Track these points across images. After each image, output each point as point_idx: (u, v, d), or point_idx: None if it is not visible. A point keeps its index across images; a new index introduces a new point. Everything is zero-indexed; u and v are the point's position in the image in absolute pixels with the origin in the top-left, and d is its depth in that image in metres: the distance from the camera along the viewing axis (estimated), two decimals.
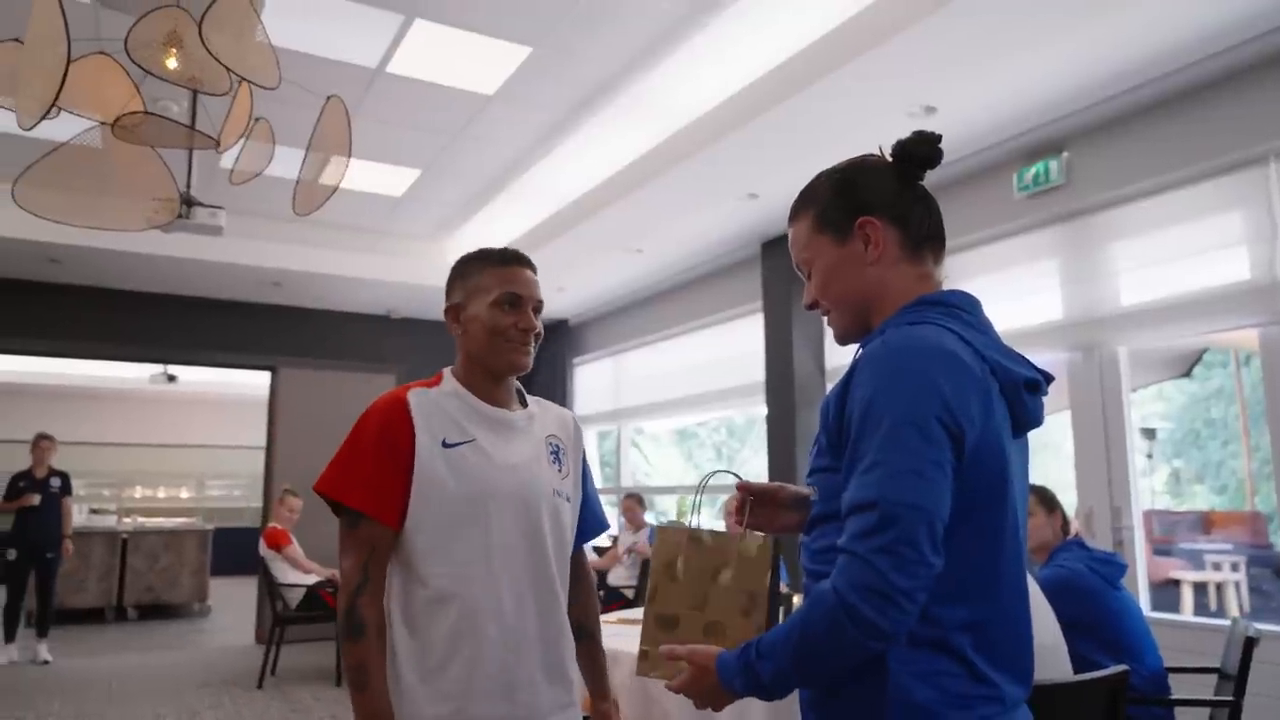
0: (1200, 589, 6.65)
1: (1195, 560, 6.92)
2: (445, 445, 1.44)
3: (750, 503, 1.28)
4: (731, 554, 1.22)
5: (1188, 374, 7.90)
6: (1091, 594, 2.66)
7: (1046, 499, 2.88)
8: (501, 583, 1.42)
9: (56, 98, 2.52)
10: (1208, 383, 8.34)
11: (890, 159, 1.22)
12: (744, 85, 4.31)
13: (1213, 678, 2.80)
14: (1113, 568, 2.73)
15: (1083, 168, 4.16)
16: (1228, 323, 3.73)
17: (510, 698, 1.38)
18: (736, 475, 1.33)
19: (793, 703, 1.18)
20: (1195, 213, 3.82)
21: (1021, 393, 1.10)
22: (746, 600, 1.20)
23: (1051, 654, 2.12)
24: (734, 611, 1.20)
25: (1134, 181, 3.96)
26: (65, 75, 2.48)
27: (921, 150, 1.19)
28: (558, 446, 1.58)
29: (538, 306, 1.54)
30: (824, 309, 1.25)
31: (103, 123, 2.99)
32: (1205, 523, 7.73)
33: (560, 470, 1.56)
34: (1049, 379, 1.15)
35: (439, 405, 1.48)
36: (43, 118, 2.60)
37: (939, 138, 1.20)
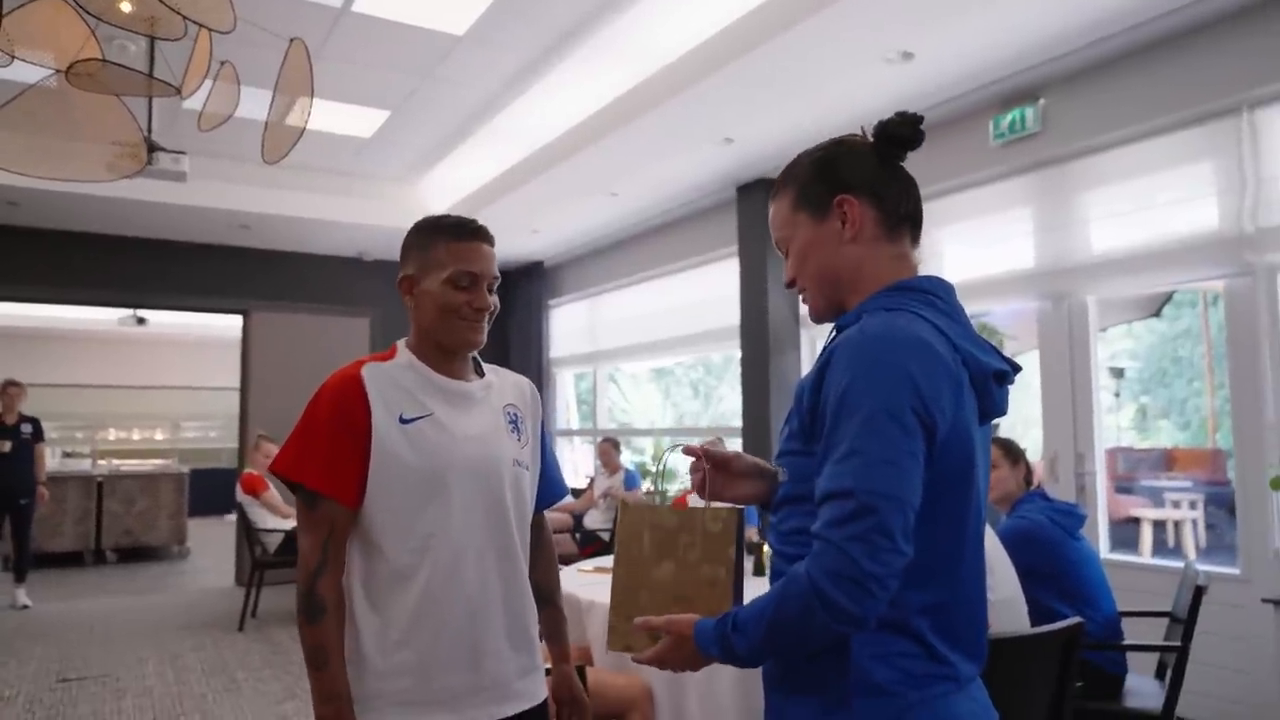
0: (1159, 526, 6.87)
1: (1155, 497, 7.13)
2: (402, 421, 1.42)
3: (708, 471, 1.29)
4: (696, 528, 1.24)
5: (1157, 314, 8.03)
6: (1051, 544, 2.74)
7: (1011, 451, 2.95)
8: (464, 555, 1.43)
9: None
10: (1176, 322, 8.48)
11: (872, 139, 1.22)
12: (720, 29, 4.22)
13: (1165, 620, 2.92)
14: (1072, 519, 2.81)
15: (1058, 116, 4.14)
16: (1195, 274, 3.78)
17: (476, 667, 1.40)
18: (698, 448, 1.33)
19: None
20: (1168, 162, 3.84)
21: (990, 384, 1.12)
22: (712, 573, 1.23)
23: (1009, 607, 2.20)
24: (700, 584, 1.23)
25: (1109, 130, 3.96)
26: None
27: (903, 131, 1.19)
28: (516, 415, 1.58)
29: (492, 283, 1.50)
30: (800, 287, 1.26)
31: (59, 70, 2.89)
32: (1167, 460, 7.94)
33: (519, 439, 1.56)
34: (1016, 369, 1.18)
35: (394, 379, 1.46)
36: None
37: (920, 119, 1.20)
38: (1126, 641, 2.80)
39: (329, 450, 1.39)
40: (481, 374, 1.58)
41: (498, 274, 1.51)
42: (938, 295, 1.16)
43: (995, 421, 1.23)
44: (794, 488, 1.14)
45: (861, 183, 1.19)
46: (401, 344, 1.54)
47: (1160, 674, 2.87)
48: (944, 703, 1.06)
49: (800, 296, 1.27)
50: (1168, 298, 7.53)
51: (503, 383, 1.61)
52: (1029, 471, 2.97)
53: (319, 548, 1.38)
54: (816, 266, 1.22)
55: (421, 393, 1.46)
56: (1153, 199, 3.90)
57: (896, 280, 1.17)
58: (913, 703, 1.04)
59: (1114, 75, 3.93)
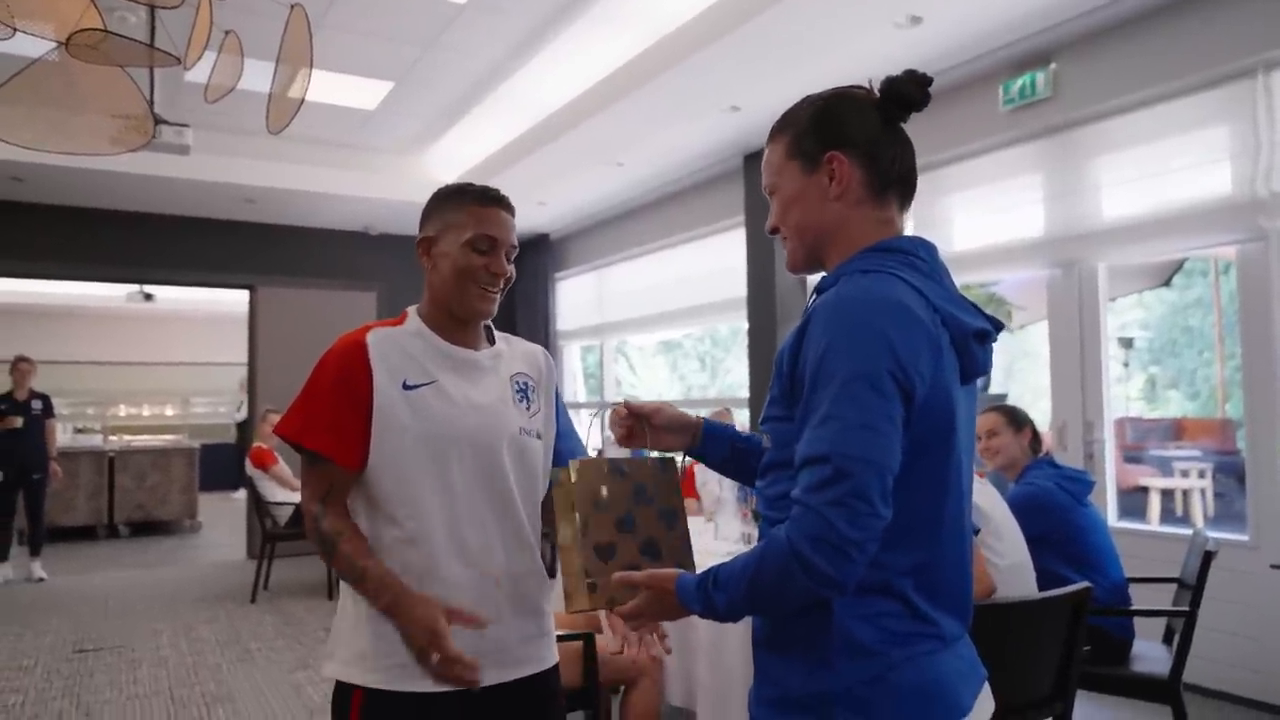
0: (1168, 495, 6.86)
1: (1164, 467, 7.11)
2: (405, 387, 1.43)
3: (633, 424, 1.36)
4: (647, 475, 1.32)
5: (1167, 283, 7.97)
6: (1059, 510, 2.74)
7: (1015, 418, 2.93)
8: (464, 523, 1.43)
9: None
10: (1187, 292, 8.42)
11: (877, 95, 1.19)
12: None
13: (1173, 587, 2.92)
14: (1080, 485, 2.81)
15: (1070, 80, 4.08)
16: (1207, 239, 3.74)
17: (477, 632, 1.41)
18: (631, 401, 1.40)
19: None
20: (1181, 127, 3.78)
21: (971, 343, 1.11)
22: (668, 515, 1.32)
23: (1018, 572, 2.20)
24: (660, 527, 1.30)
25: (1121, 94, 3.90)
26: None
27: (909, 90, 1.16)
28: (526, 384, 1.58)
29: (510, 252, 1.51)
30: (782, 236, 1.25)
31: (60, 43, 2.87)
32: (1177, 429, 7.91)
33: (529, 408, 1.56)
34: (999, 327, 1.17)
35: (400, 345, 1.46)
36: None
37: (930, 80, 1.17)
38: (1134, 608, 2.80)
39: (331, 414, 1.41)
40: (492, 342, 1.58)
41: (516, 244, 1.52)
42: (918, 255, 1.14)
43: (981, 382, 1.22)
44: (778, 453, 1.14)
45: (856, 140, 1.17)
46: (412, 310, 1.54)
47: (1168, 639, 2.88)
48: (928, 660, 1.07)
49: (781, 243, 1.27)
50: (1178, 266, 7.47)
51: (513, 351, 1.61)
52: (1035, 438, 2.95)
53: (318, 500, 1.42)
54: (799, 219, 1.20)
55: (427, 360, 1.47)
56: (1165, 164, 3.86)
57: (877, 241, 1.15)
58: (896, 661, 1.05)
59: (1127, 38, 3.87)
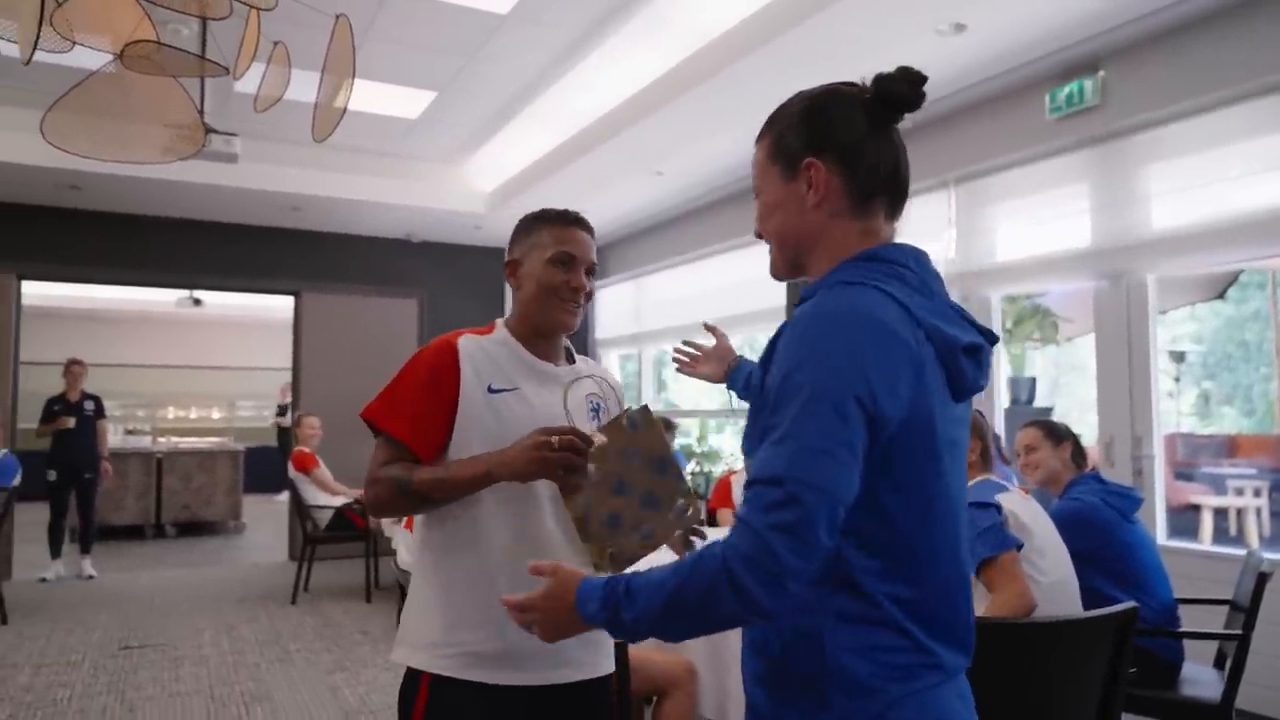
0: (1221, 514, 6.66)
1: (1217, 485, 6.90)
2: (490, 390, 1.52)
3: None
4: (623, 437, 1.38)
5: (1221, 296, 7.75)
6: (1104, 527, 2.67)
7: (1054, 432, 2.87)
8: (530, 524, 1.49)
9: (39, 29, 2.49)
10: (1243, 305, 8.19)
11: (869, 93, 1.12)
12: (767, 2, 4.15)
13: (1224, 609, 2.83)
14: (1128, 501, 2.73)
15: (1119, 87, 4.00)
16: (1262, 250, 3.63)
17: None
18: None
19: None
20: (1234, 135, 3.68)
21: (959, 358, 1.04)
22: (659, 464, 1.38)
23: (1062, 589, 2.15)
24: (653, 478, 1.37)
25: (1172, 102, 3.81)
26: (43, 5, 2.46)
27: (900, 90, 1.09)
28: (598, 405, 1.66)
29: (590, 268, 1.60)
30: (766, 240, 1.21)
31: (116, 55, 2.96)
32: (1231, 446, 7.68)
33: (598, 425, 1.62)
34: (992, 340, 1.11)
35: (487, 352, 1.55)
36: (35, 48, 2.57)
37: (924, 79, 1.10)
38: (1184, 629, 2.72)
39: (416, 406, 1.50)
40: (572, 361, 1.68)
41: (595, 260, 1.63)
42: (906, 266, 1.08)
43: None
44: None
45: (838, 145, 1.10)
46: (500, 322, 1.65)
47: (1219, 663, 2.79)
48: (931, 696, 1.01)
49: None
50: (1233, 279, 7.27)
51: (589, 370, 1.71)
52: (1078, 452, 2.89)
53: (381, 464, 1.50)
54: (777, 226, 1.15)
55: (511, 368, 1.56)
56: (1218, 173, 3.75)
57: (861, 250, 1.10)
58: (896, 698, 0.99)
59: (1177, 45, 3.78)
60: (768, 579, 0.92)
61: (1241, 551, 3.24)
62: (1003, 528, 2.12)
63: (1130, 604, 2.00)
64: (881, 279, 1.05)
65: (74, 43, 2.97)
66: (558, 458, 1.32)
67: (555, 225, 1.59)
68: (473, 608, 1.46)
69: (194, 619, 5.51)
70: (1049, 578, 2.11)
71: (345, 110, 3.29)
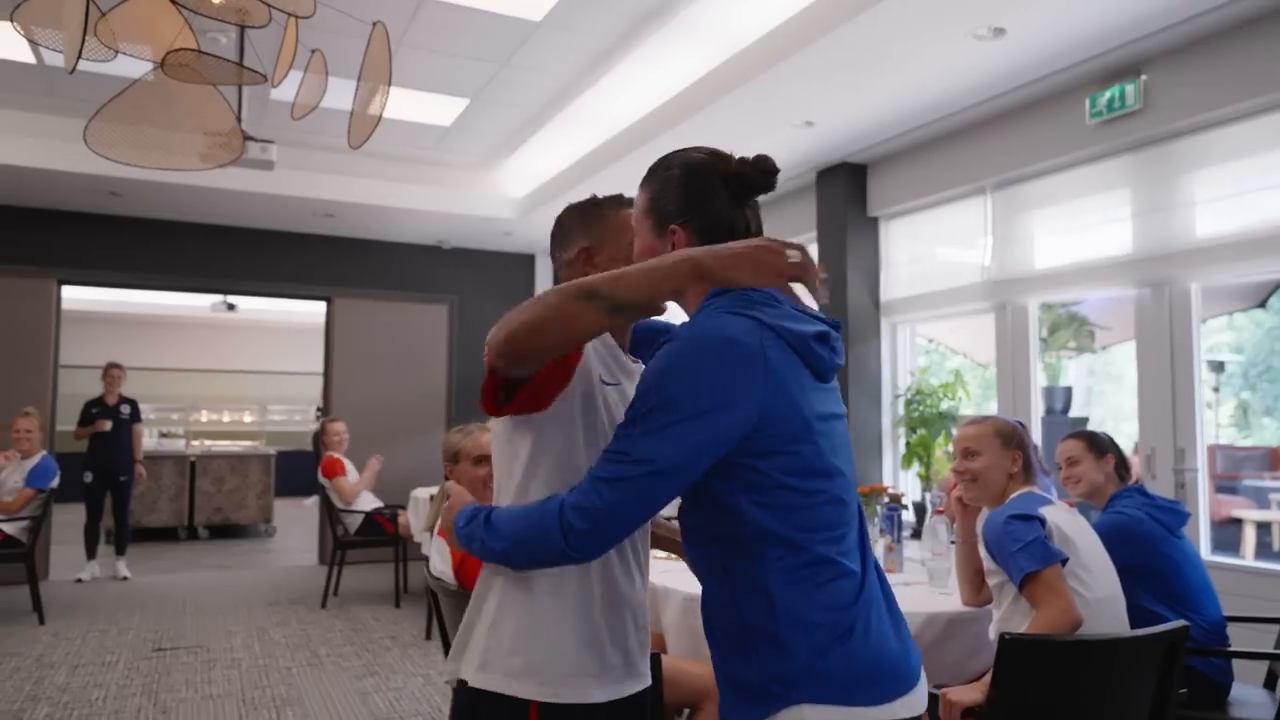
0: (1264, 529, 6.50)
1: (1260, 498, 6.74)
2: (603, 381, 1.46)
3: None
4: None
5: (1262, 305, 7.58)
6: (1150, 541, 2.60)
7: (1096, 443, 2.81)
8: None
9: (84, 39, 2.53)
10: None
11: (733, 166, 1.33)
12: (802, 7, 4.12)
13: (1275, 628, 2.75)
14: (1174, 515, 2.66)
15: (1162, 92, 3.92)
16: None
17: (622, 642, 1.43)
18: None
19: None
20: None
21: (812, 345, 1.23)
22: None
23: (1109, 606, 2.09)
24: None
25: (1217, 107, 3.73)
26: (87, 15, 2.49)
27: (755, 179, 1.32)
28: None
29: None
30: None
31: (157, 64, 3.00)
32: (1273, 459, 7.50)
33: None
34: (835, 325, 1.31)
35: (604, 340, 1.49)
36: (79, 57, 2.61)
37: (776, 171, 1.32)
38: (1232, 648, 2.64)
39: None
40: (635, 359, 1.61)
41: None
42: (750, 289, 1.25)
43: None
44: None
45: (700, 215, 1.31)
46: None
47: (1270, 684, 2.71)
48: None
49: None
50: (1276, 287, 7.11)
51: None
52: (1121, 464, 2.82)
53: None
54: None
55: (616, 364, 1.51)
56: (1264, 180, 3.67)
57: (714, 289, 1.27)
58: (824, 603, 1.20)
59: (1221, 48, 3.70)
60: (585, 518, 1.16)
61: (1269, 564, 3.15)
62: (1046, 541, 2.07)
63: (1180, 622, 1.94)
64: (733, 303, 1.23)
65: (117, 51, 3.02)
66: (791, 267, 1.24)
67: (625, 208, 1.53)
68: (578, 627, 1.38)
69: (226, 621, 5.56)
70: (1095, 593, 2.05)
71: (381, 117, 3.30)
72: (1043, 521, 2.11)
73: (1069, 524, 2.16)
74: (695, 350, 1.19)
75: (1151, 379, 4.08)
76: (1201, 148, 3.88)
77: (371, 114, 3.39)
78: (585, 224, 1.54)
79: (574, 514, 1.16)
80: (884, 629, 1.21)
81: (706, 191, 1.31)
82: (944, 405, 5.17)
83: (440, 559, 2.44)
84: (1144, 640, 1.93)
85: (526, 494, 1.39)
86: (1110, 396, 8.34)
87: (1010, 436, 2.29)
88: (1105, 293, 4.49)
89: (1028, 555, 2.04)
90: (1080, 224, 4.44)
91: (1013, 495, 2.23)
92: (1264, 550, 6.29)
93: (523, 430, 1.41)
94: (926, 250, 5.47)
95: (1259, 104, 3.61)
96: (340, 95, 4.28)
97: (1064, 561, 2.05)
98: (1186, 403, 3.94)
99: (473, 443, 2.66)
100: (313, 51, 3.48)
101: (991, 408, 5.43)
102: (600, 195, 1.59)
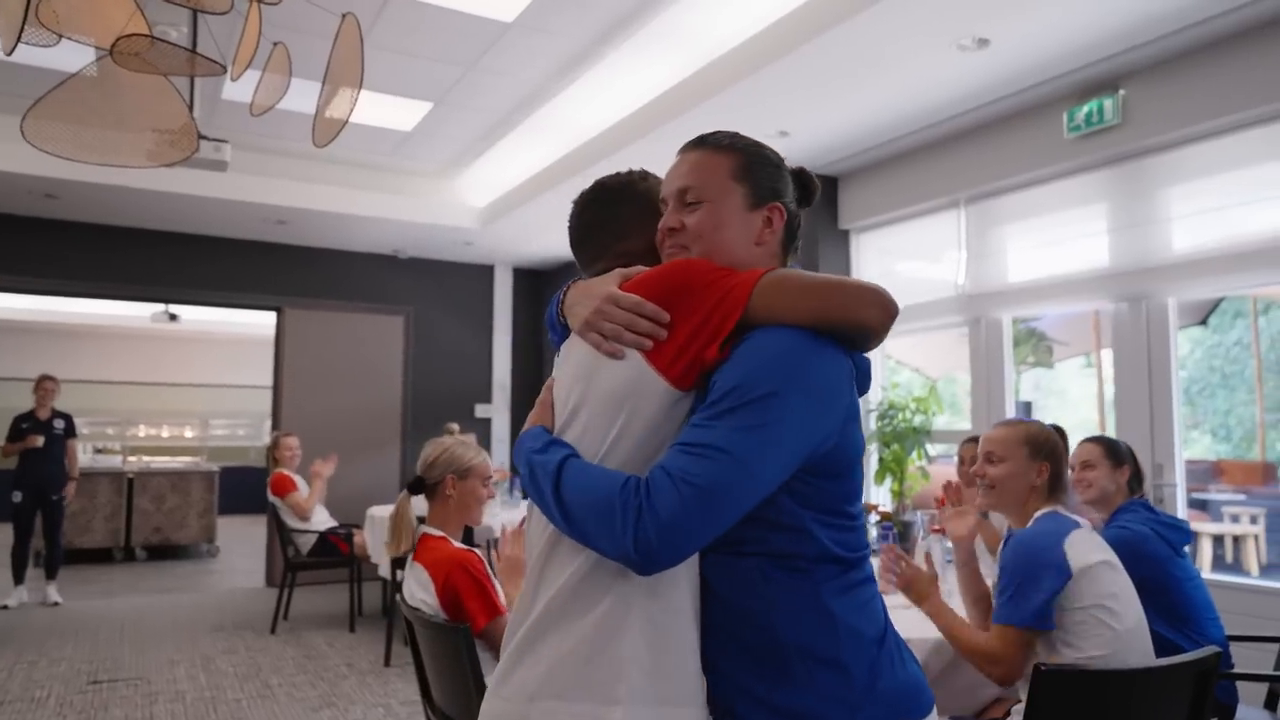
0: (1217, 541, 6.59)
1: (1212, 512, 6.85)
2: None
3: None
4: None
5: (1203, 322, 7.74)
6: (1155, 560, 2.53)
7: (1115, 452, 2.74)
8: None
9: (25, 18, 2.31)
10: (1226, 333, 8.19)
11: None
12: (779, 15, 4.04)
13: (1274, 646, 2.71)
14: (1178, 533, 2.60)
15: (1140, 107, 3.93)
16: None
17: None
18: None
19: None
20: (1257, 157, 3.62)
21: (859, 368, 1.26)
22: None
23: (1137, 636, 1.99)
24: None
25: (1194, 123, 3.74)
26: None
27: (813, 190, 1.34)
28: None
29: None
30: (682, 243, 1.24)
31: (104, 52, 2.78)
32: (1215, 472, 7.65)
33: None
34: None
35: None
36: (19, 40, 2.39)
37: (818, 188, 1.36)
38: (1235, 668, 2.58)
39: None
40: None
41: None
42: None
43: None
44: None
45: (791, 204, 1.30)
46: None
47: (1270, 704, 2.65)
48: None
49: (666, 245, 1.26)
50: (1214, 306, 7.27)
51: None
52: (1136, 478, 2.76)
53: None
54: (720, 245, 1.23)
55: None
56: (1241, 195, 3.68)
57: None
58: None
59: (1199, 65, 3.71)
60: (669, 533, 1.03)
61: (1277, 584, 3.12)
62: (1048, 605, 1.92)
63: (1213, 649, 1.86)
64: None
65: (60, 36, 2.79)
66: None
67: (655, 181, 1.41)
68: (694, 657, 1.18)
69: (168, 650, 5.23)
70: (1125, 624, 1.93)
71: (351, 113, 3.12)
72: (1060, 569, 1.95)
73: (1093, 553, 2.02)
74: (800, 347, 1.13)
75: (1128, 394, 4.06)
76: (1179, 163, 3.89)
77: (340, 113, 3.20)
78: (642, 211, 1.37)
79: (650, 521, 1.03)
80: (903, 646, 1.22)
81: (789, 179, 1.32)
82: (917, 420, 5.12)
83: (419, 587, 2.25)
84: (1175, 669, 1.84)
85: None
86: (1055, 410, 8.43)
87: (1040, 446, 2.12)
88: (1081, 307, 4.48)
89: (1025, 609, 1.94)
90: (1056, 238, 4.43)
91: (1036, 514, 2.11)
92: (1219, 563, 6.38)
93: (683, 406, 1.18)
94: (899, 264, 5.43)
95: (1235, 120, 3.63)
96: (298, 97, 4.07)
97: (1047, 629, 1.95)
98: (1165, 417, 3.93)
99: (484, 460, 2.52)
100: (275, 44, 3.28)
101: (960, 424, 5.40)
102: (618, 176, 1.44)
